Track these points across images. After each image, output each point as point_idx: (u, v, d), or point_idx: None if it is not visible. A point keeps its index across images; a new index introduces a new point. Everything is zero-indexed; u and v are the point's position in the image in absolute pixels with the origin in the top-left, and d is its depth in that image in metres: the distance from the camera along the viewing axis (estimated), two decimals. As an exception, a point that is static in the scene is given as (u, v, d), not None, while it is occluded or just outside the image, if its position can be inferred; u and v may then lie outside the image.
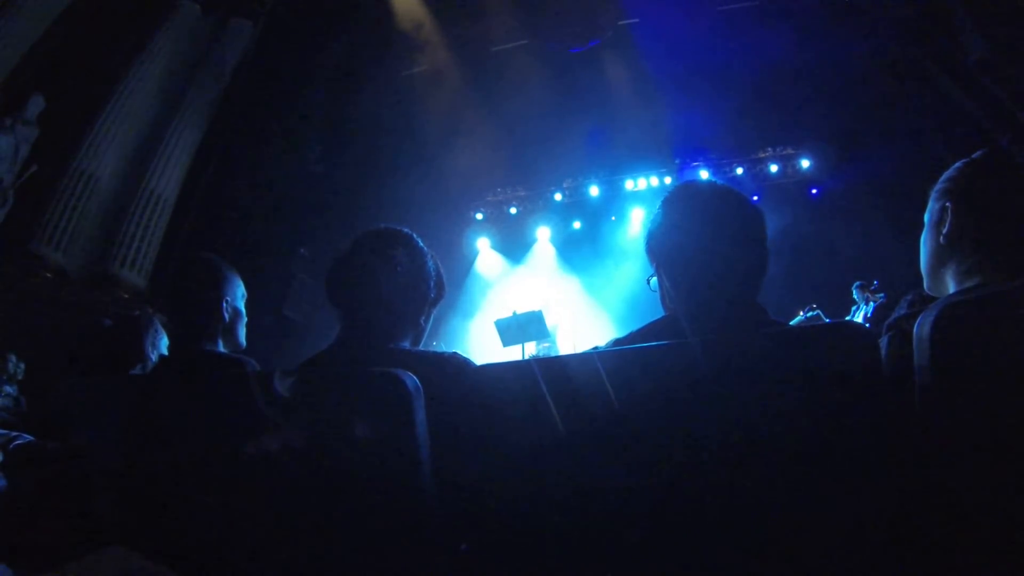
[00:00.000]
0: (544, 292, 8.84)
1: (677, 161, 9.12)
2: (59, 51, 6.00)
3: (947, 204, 1.08)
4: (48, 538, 1.52)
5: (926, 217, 1.15)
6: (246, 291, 1.79)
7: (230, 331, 1.71)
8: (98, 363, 2.13)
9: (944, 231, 1.08)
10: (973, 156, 1.10)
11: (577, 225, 9.75)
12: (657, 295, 1.30)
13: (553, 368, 1.02)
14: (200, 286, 1.67)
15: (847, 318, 5.79)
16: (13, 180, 5.55)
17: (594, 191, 9.47)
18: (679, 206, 1.24)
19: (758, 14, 7.33)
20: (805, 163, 8.70)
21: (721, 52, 7.37)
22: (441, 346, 7.01)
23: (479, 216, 10.08)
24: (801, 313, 5.95)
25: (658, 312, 1.28)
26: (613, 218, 9.50)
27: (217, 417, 1.23)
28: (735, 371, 0.94)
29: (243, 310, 1.76)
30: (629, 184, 9.35)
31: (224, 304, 1.67)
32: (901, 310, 1.03)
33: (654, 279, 1.28)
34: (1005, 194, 1.04)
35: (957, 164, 1.11)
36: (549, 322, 6.03)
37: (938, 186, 1.12)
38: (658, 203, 1.28)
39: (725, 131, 8.33)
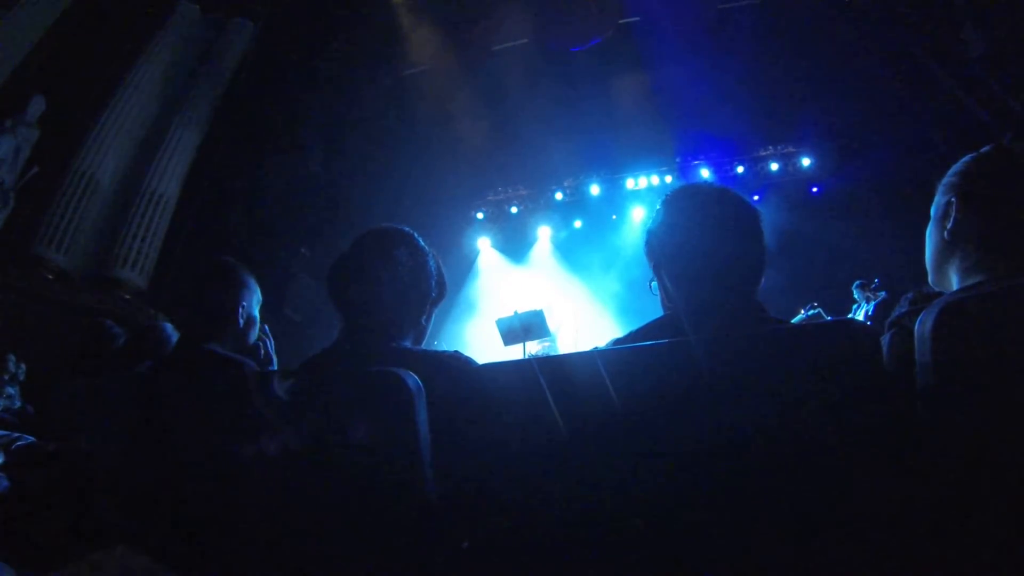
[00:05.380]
0: (545, 291, 8.84)
1: (678, 160, 9.12)
2: (60, 52, 6.00)
3: (952, 199, 1.07)
4: (50, 538, 1.53)
5: (932, 211, 1.14)
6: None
7: (242, 337, 1.71)
8: (111, 370, 2.12)
9: (948, 226, 1.07)
10: (980, 151, 1.09)
11: (578, 224, 9.75)
12: (659, 298, 1.30)
13: (554, 367, 1.02)
14: (220, 291, 1.67)
15: (848, 317, 5.78)
16: (14, 182, 5.56)
17: (595, 190, 9.46)
18: (678, 205, 1.25)
19: (759, 12, 7.32)
20: (806, 161, 8.69)
21: (721, 50, 7.36)
22: (442, 345, 7.02)
23: (480, 215, 10.08)
24: (802, 312, 5.96)
25: (659, 311, 1.28)
26: (614, 217, 9.50)
27: (219, 417, 1.23)
28: (736, 369, 0.94)
29: (257, 317, 1.75)
30: (630, 183, 9.34)
31: (240, 310, 1.67)
32: (903, 307, 1.02)
33: (655, 282, 1.28)
34: (1011, 191, 1.03)
35: (964, 158, 1.10)
36: (552, 323, 6.03)
37: (944, 180, 1.11)
38: (658, 203, 1.29)
39: (726, 129, 8.32)
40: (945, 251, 1.09)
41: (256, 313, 1.75)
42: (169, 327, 2.14)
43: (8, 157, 5.46)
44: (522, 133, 8.23)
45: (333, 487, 1.09)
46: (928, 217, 1.16)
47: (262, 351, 1.80)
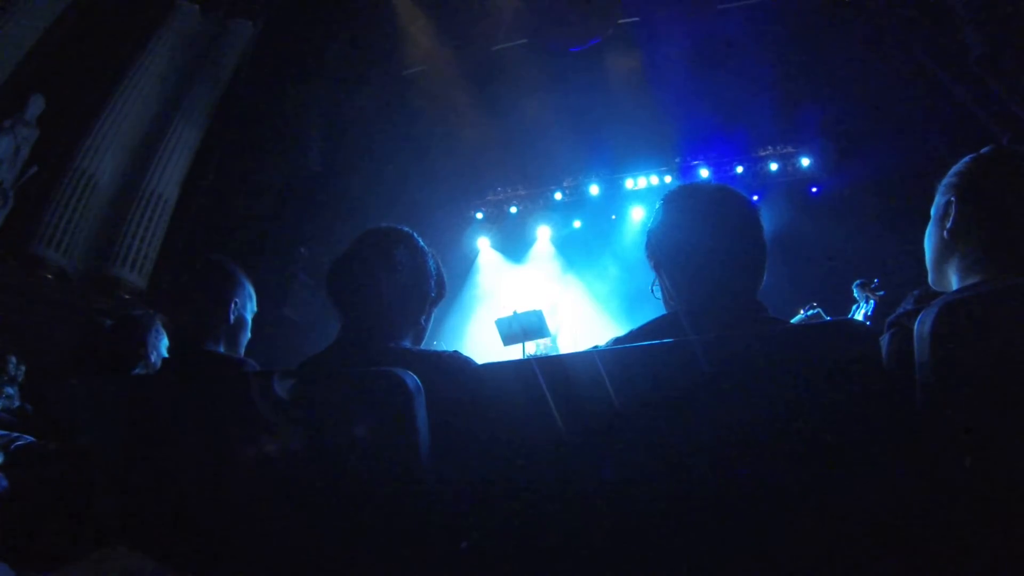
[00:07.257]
0: (545, 291, 8.84)
1: (677, 160, 9.11)
2: (59, 52, 6.00)
3: (952, 199, 1.08)
4: (50, 539, 1.52)
5: (932, 211, 1.14)
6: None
7: (232, 335, 1.70)
8: (100, 364, 2.13)
9: (948, 226, 1.07)
10: (981, 152, 1.09)
11: (577, 224, 9.74)
12: (660, 301, 1.30)
13: (553, 367, 1.02)
14: (211, 287, 1.67)
15: (847, 316, 5.78)
16: (13, 181, 5.56)
17: (594, 190, 9.46)
18: (678, 204, 1.25)
19: (758, 12, 7.32)
20: (805, 161, 8.69)
21: (721, 50, 7.36)
22: (442, 345, 7.02)
23: (479, 215, 10.08)
24: (801, 312, 5.95)
25: (659, 310, 1.28)
26: (613, 217, 9.49)
27: (218, 418, 1.23)
28: (736, 369, 0.94)
29: (248, 319, 1.74)
30: (629, 183, 9.34)
31: (232, 307, 1.67)
32: (907, 306, 1.02)
33: (657, 288, 1.28)
34: (1010, 191, 1.03)
35: (965, 159, 1.11)
36: (551, 324, 6.02)
37: (945, 180, 1.12)
38: (657, 202, 1.29)
39: (725, 129, 8.32)
40: (945, 251, 1.10)
41: (247, 315, 1.74)
42: (150, 311, 2.13)
43: (7, 157, 5.46)
44: (521, 133, 8.24)
45: (333, 487, 1.09)
46: (928, 217, 1.16)
47: None
